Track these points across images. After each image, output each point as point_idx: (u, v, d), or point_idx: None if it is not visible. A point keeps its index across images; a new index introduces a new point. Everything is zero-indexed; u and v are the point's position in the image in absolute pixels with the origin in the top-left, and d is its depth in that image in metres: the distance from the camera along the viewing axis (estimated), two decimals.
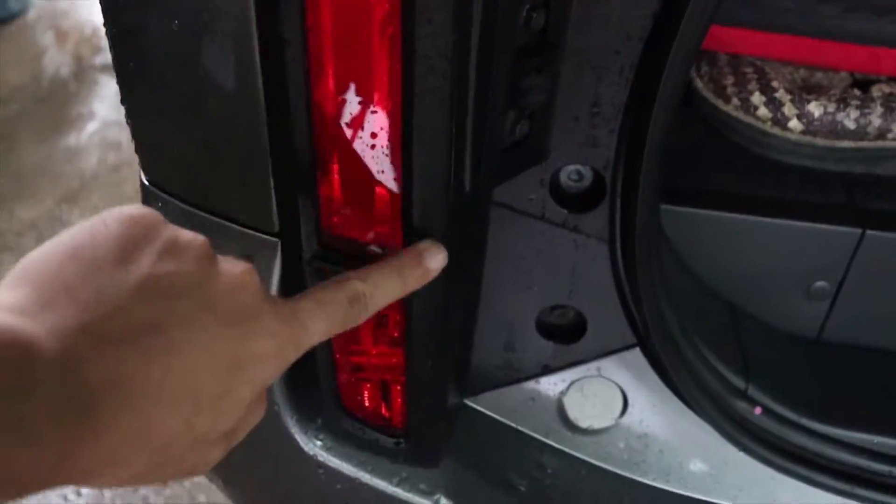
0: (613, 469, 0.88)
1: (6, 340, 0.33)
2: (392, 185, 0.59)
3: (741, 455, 0.85)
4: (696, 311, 0.90)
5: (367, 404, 0.76)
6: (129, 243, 0.39)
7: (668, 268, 0.91)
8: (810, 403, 0.86)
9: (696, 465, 0.87)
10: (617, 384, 0.83)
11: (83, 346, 0.35)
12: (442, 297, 0.64)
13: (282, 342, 0.43)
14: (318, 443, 0.79)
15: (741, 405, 0.83)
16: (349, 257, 0.63)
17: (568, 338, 0.81)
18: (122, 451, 0.36)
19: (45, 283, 0.36)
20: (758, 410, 0.83)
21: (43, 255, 0.38)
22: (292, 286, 0.68)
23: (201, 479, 1.45)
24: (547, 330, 0.81)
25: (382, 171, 0.59)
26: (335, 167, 0.60)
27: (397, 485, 0.79)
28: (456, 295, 0.67)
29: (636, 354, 0.80)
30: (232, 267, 0.43)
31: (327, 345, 0.71)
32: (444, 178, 0.57)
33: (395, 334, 0.69)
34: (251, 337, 0.41)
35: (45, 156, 2.44)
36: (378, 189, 0.60)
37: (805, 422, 0.85)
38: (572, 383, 0.83)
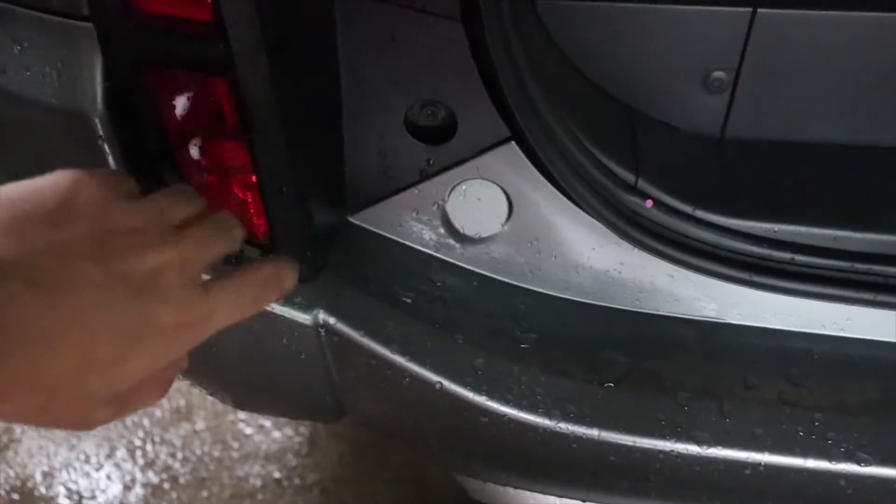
0: (507, 280, 0.85)
1: None
2: None
3: (639, 256, 0.82)
4: (589, 112, 0.86)
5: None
6: (65, 209, 0.42)
7: (556, 67, 0.86)
8: (706, 196, 0.82)
9: (594, 270, 0.84)
10: (499, 185, 0.79)
11: None
12: (276, 97, 0.60)
13: (185, 322, 0.44)
14: None
15: (630, 199, 0.79)
16: (178, 39, 0.59)
17: (440, 137, 0.77)
18: (8, 388, 0.39)
19: None
20: (648, 203, 0.80)
21: None
22: (120, 84, 0.64)
23: None
24: (418, 131, 0.77)
25: None
26: None
27: None
28: (296, 95, 0.64)
29: (512, 149, 0.76)
30: (160, 248, 0.44)
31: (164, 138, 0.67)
32: None
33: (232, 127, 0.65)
34: (154, 313, 0.42)
35: None
36: None
37: (700, 213, 0.81)
38: (453, 188, 0.80)
